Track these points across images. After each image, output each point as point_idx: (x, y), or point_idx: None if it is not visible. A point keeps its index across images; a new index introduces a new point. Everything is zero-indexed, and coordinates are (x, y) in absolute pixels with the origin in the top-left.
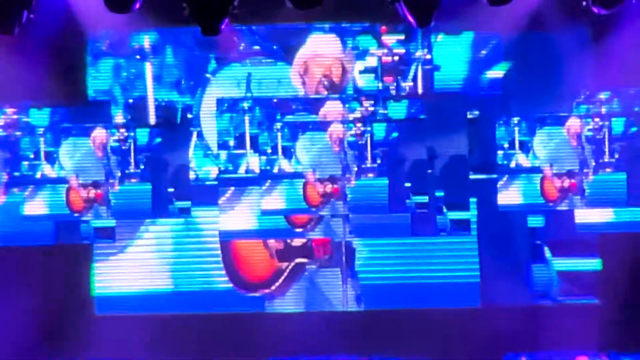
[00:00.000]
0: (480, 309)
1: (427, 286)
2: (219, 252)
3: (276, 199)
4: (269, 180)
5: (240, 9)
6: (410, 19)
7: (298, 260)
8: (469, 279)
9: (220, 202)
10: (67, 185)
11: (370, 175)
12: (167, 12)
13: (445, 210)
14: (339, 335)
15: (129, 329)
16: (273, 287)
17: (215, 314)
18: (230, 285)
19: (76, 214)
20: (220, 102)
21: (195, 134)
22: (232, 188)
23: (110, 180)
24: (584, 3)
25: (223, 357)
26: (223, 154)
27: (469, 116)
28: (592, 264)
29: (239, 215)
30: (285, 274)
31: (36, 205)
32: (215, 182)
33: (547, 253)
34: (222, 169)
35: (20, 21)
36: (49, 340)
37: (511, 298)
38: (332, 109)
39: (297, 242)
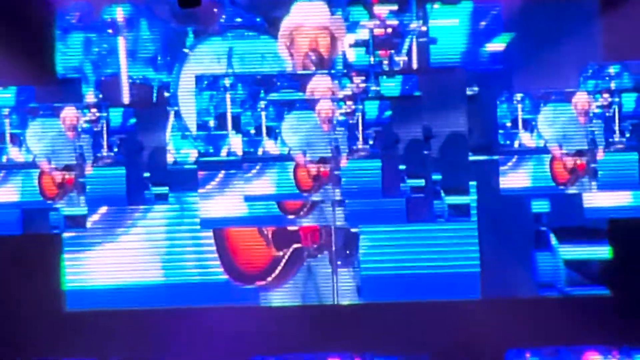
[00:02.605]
0: (480, 301)
1: (423, 276)
2: (210, 241)
3: (262, 184)
4: (257, 164)
5: None
6: None
7: (296, 245)
8: (468, 268)
9: (200, 187)
10: (38, 170)
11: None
12: None
13: (443, 194)
14: (331, 331)
15: (103, 325)
16: (271, 278)
17: (202, 308)
18: (223, 276)
19: (49, 201)
20: (199, 79)
21: (172, 114)
22: (222, 172)
23: (83, 164)
24: None
25: (210, 353)
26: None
27: (468, 93)
28: (602, 251)
29: (222, 201)
30: (284, 262)
31: (1, 192)
32: (194, 166)
33: (553, 240)
34: (202, 151)
35: None
36: (14, 337)
37: (514, 289)
38: (321, 84)
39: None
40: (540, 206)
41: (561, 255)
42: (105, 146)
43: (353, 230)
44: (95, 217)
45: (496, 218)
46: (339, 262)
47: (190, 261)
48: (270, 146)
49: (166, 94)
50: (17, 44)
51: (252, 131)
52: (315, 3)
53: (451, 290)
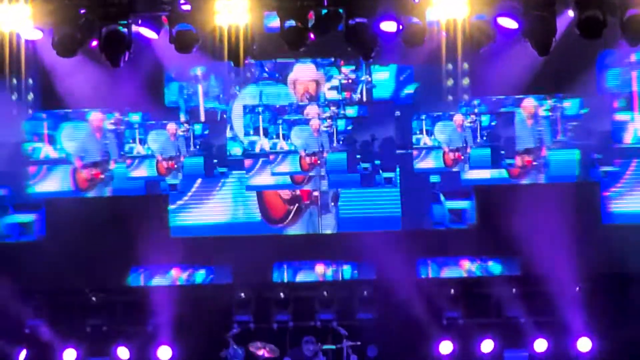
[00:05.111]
0: (400, 232)
1: (370, 218)
2: (255, 200)
3: (281, 166)
4: (280, 155)
5: (257, 48)
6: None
7: (298, 204)
8: (394, 213)
9: (246, 168)
10: (155, 159)
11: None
12: (211, 52)
13: (381, 172)
14: (318, 248)
15: (193, 246)
16: (286, 221)
17: (250, 236)
18: (260, 219)
19: (161, 176)
20: (245, 107)
21: (228, 127)
22: (260, 160)
23: (178, 155)
24: (469, 43)
25: (253, 260)
26: (246, 140)
27: (396, 114)
28: (468, 203)
29: (259, 176)
30: (292, 213)
31: (134, 171)
32: (242, 157)
33: (442, 198)
34: (246, 148)
35: (124, 58)
36: (138, 253)
37: (420, 225)
38: (311, 110)
39: (297, 193)
40: (435, 179)
41: (446, 206)
42: (192, 145)
43: (334, 192)
44: (186, 184)
45: (410, 185)
46: (323, 211)
47: (240, 209)
48: (284, 145)
49: (225, 117)
50: (142, 87)
51: (275, 137)
52: (307, 65)
53: (382, 225)
